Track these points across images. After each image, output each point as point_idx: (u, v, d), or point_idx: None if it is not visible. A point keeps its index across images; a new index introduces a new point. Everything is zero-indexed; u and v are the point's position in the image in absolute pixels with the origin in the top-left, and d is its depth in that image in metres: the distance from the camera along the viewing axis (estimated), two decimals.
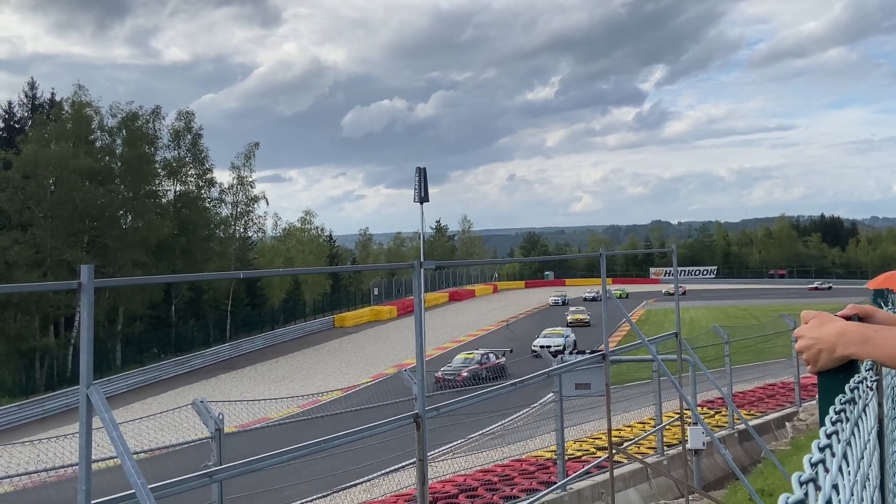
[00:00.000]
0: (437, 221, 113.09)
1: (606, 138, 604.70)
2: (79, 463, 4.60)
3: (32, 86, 61.23)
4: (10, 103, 60.22)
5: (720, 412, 18.52)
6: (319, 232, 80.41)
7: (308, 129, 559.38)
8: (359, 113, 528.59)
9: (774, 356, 29.42)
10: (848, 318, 1.75)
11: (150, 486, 4.52)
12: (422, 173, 54.21)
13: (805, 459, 0.82)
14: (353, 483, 14.15)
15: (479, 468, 14.71)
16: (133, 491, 4.48)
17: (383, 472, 15.19)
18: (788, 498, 0.73)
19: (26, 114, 59.75)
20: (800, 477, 0.79)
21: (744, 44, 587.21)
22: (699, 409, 16.44)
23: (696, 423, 13.14)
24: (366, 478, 14.66)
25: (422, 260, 7.66)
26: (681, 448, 13.29)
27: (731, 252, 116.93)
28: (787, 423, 18.57)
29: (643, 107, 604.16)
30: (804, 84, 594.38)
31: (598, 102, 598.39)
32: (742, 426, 15.61)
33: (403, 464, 14.01)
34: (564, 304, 74.74)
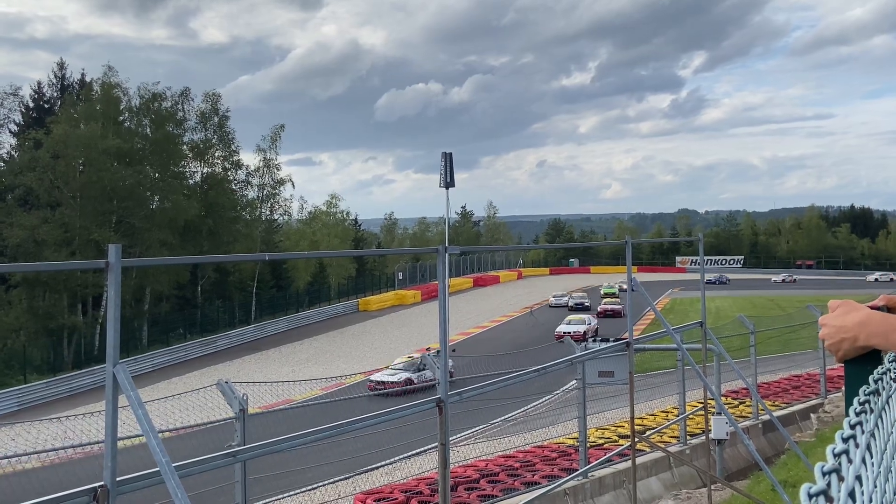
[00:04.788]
0: (463, 207, 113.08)
1: (640, 125, 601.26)
2: (105, 440, 4.65)
3: (61, 66, 61.80)
4: (39, 83, 60.84)
5: (744, 402, 18.42)
6: (345, 216, 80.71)
7: (342, 112, 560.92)
8: (393, 96, 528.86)
9: (800, 347, 29.21)
10: (878, 308, 1.73)
11: (174, 465, 4.57)
12: (448, 158, 53.91)
13: (828, 450, 0.81)
14: (375, 466, 14.25)
15: (500, 454, 14.75)
16: (158, 469, 4.53)
17: (405, 455, 15.25)
18: (810, 488, 0.73)
19: (55, 94, 60.29)
20: (822, 467, 0.79)
21: (789, 30, 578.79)
22: (723, 399, 16.35)
23: (719, 413, 13.07)
24: (388, 461, 14.73)
25: (446, 245, 7.66)
26: (704, 438, 13.23)
27: (758, 242, 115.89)
28: (812, 415, 18.43)
29: (680, 94, 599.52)
30: (845, 72, 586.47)
31: (635, 89, 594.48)
32: (766, 417, 15.51)
33: (425, 448, 14.06)
34: (580, 307, 59.51)
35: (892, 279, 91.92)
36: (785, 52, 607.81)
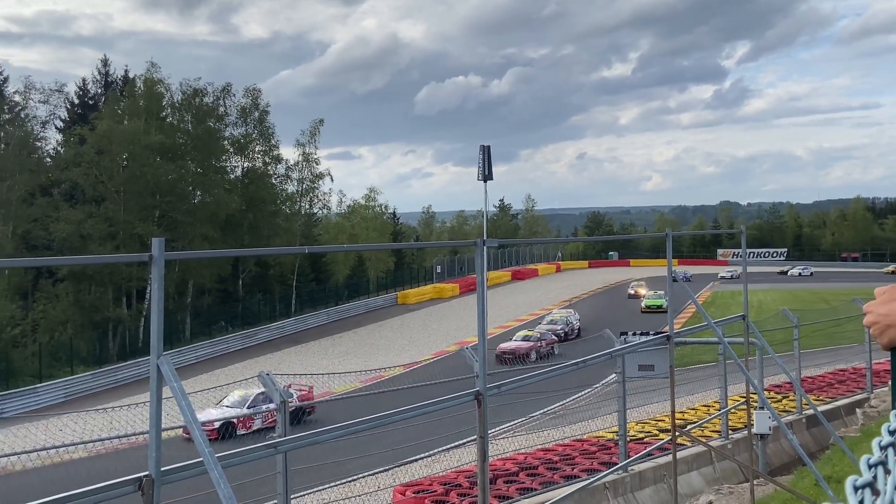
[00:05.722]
0: (501, 200, 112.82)
1: (681, 116, 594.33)
2: (149, 431, 4.73)
3: (105, 63, 62.73)
4: (83, 80, 61.86)
5: (788, 397, 18.18)
6: (383, 209, 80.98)
7: (381, 106, 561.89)
8: (433, 90, 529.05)
9: (846, 341, 28.78)
10: None
11: (217, 455, 4.63)
12: (486, 151, 53.84)
13: (874, 443, 0.80)
14: (414, 458, 14.31)
15: (539, 447, 14.71)
16: (201, 459, 4.59)
17: (444, 448, 15.29)
18: (856, 480, 0.72)
19: (99, 90, 61.23)
20: (868, 459, 0.77)
21: (835, 19, 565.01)
22: (766, 393, 16.15)
23: (762, 407, 12.91)
24: (427, 453, 14.79)
25: (484, 238, 7.66)
26: (746, 432, 13.09)
27: (802, 234, 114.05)
28: (857, 410, 18.13)
29: (723, 84, 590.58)
30: (893, 61, 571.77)
31: (677, 80, 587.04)
32: (810, 411, 15.29)
33: (464, 440, 14.08)
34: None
35: (812, 273, 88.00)
36: (831, 40, 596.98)
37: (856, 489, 0.70)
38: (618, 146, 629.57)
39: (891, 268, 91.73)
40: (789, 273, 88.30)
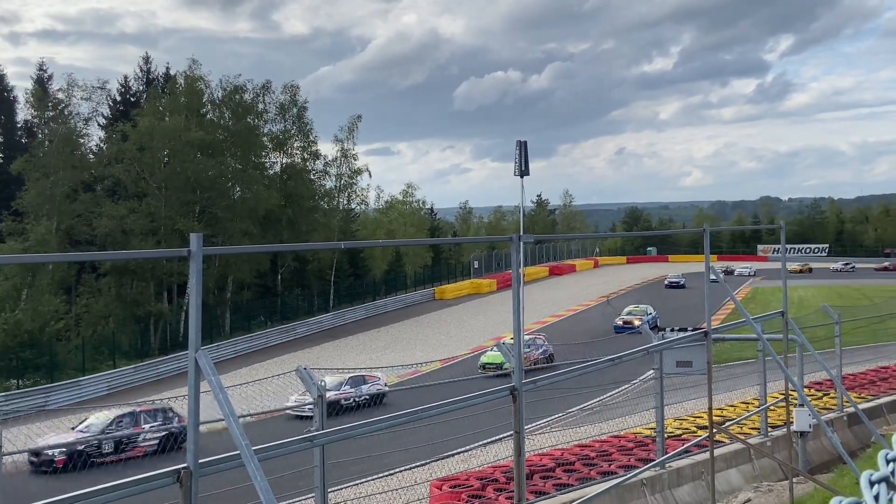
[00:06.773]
0: (538, 195, 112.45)
1: (722, 111, 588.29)
2: (188, 424, 4.80)
3: (147, 60, 63.61)
4: (125, 77, 62.75)
5: (828, 394, 17.93)
6: (421, 205, 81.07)
7: (420, 101, 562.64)
8: (472, 85, 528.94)
9: (889, 338, 28.28)
10: None
11: (254, 448, 4.69)
12: (522, 146, 53.69)
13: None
14: (450, 453, 14.35)
15: (576, 443, 14.66)
16: (238, 452, 4.65)
17: (481, 443, 15.31)
18: (872, 475, 0.72)
19: (141, 87, 62.06)
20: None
21: (882, 11, 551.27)
22: (806, 390, 15.93)
23: (802, 405, 12.74)
24: (463, 448, 14.81)
25: (521, 233, 7.66)
26: (786, 430, 12.93)
27: (844, 230, 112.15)
28: None
29: (765, 78, 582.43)
30: None
31: (719, 74, 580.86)
32: (851, 409, 15.06)
33: (501, 436, 14.08)
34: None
35: (754, 272, 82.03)
36: (877, 33, 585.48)
37: (871, 483, 0.70)
38: (657, 141, 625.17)
39: (797, 266, 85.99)
40: (737, 273, 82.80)
